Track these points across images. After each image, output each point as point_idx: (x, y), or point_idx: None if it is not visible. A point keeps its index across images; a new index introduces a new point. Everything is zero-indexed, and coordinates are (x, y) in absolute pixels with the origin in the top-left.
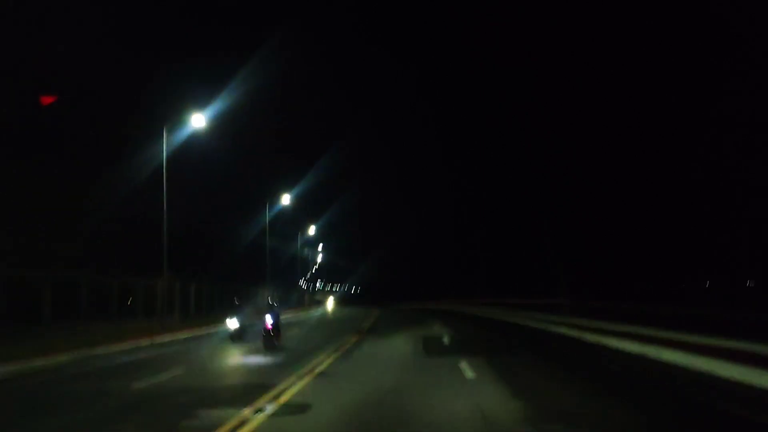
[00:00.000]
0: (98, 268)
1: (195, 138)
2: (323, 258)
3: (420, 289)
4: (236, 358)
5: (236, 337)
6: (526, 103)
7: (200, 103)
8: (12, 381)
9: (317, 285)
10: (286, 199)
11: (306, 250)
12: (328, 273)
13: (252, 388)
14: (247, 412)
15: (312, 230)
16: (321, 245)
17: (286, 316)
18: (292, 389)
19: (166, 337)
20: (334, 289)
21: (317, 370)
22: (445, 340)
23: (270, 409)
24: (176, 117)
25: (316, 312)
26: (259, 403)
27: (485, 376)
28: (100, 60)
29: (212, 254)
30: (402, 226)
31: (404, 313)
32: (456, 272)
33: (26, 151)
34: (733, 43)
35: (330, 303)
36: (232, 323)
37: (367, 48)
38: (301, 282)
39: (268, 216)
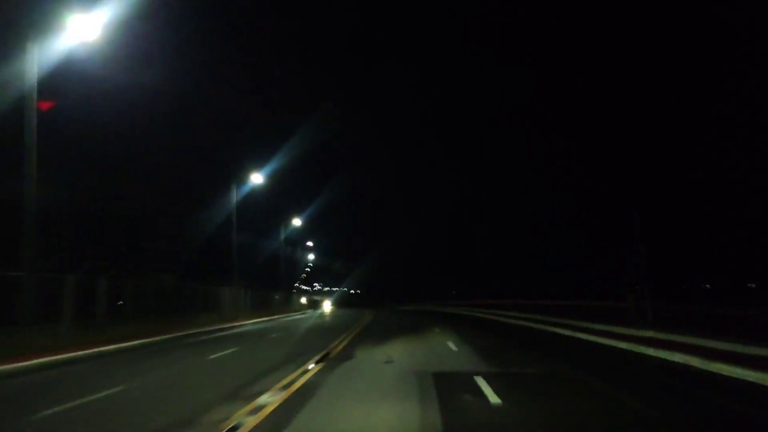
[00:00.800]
0: None
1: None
2: (322, 260)
3: (420, 290)
4: None
5: None
6: (526, 103)
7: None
8: None
9: (315, 287)
10: (260, 180)
11: (295, 249)
12: (328, 275)
13: None
14: None
15: (298, 223)
16: (313, 244)
17: (255, 322)
18: None
19: (29, 361)
20: (332, 291)
21: None
22: (483, 386)
23: None
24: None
25: (305, 315)
26: None
27: None
28: None
29: (168, 245)
30: (401, 226)
31: (403, 318)
32: (457, 273)
33: None
34: (733, 43)
35: (327, 305)
36: None
37: (368, 48)
38: (297, 283)
39: (235, 198)
